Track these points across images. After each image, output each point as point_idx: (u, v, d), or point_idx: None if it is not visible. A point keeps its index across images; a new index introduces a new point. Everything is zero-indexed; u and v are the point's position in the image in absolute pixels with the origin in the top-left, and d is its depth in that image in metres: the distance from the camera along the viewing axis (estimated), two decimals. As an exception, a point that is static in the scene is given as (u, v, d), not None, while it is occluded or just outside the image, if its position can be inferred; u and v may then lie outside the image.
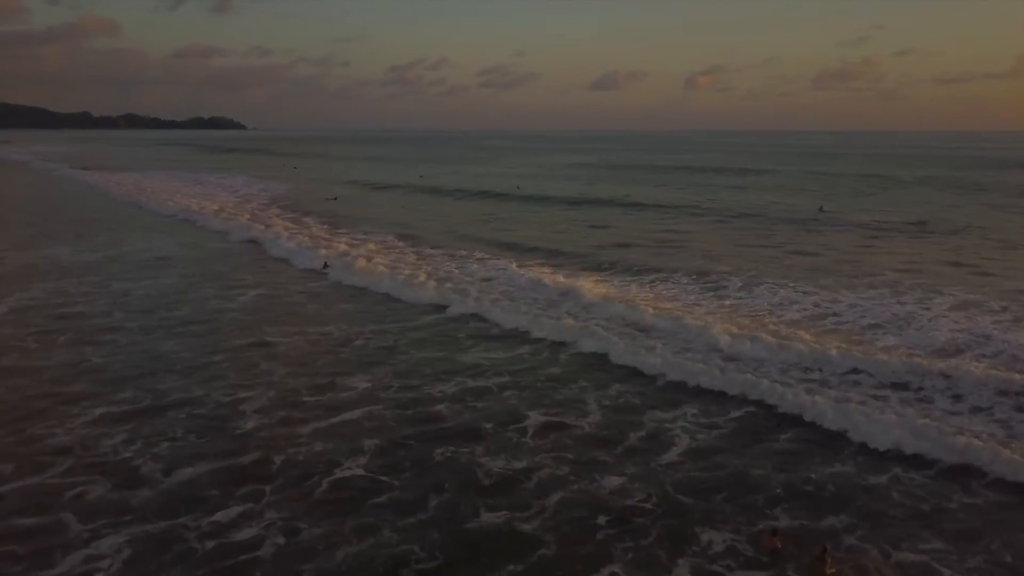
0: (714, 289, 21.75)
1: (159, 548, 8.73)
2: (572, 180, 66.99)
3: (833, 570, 8.49)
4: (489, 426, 12.36)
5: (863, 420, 12.19)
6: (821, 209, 41.64)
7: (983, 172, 75.52)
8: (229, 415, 12.59)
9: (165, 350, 16.35)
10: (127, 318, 19.01)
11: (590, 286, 21.67)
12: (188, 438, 11.62)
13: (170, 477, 10.33)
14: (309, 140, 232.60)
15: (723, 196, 50.94)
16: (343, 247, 29.01)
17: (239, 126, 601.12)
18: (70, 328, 17.90)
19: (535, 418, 12.76)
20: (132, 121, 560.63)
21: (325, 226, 35.63)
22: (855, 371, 14.59)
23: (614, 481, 10.45)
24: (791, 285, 21.84)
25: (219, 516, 9.34)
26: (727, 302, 20.37)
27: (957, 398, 13.37)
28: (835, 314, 18.87)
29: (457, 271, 24.65)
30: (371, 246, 29.51)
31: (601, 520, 9.46)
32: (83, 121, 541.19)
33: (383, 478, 10.51)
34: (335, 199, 49.35)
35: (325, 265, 25.62)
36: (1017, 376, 13.91)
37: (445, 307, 20.21)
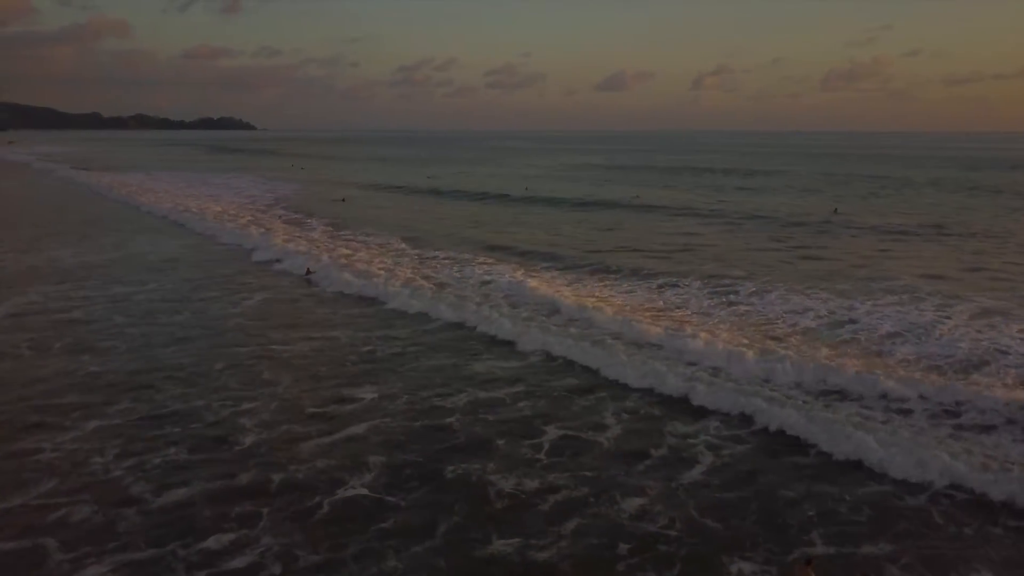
0: (725, 294, 20.91)
1: (147, 578, 8.13)
2: (580, 181, 66.29)
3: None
4: (502, 441, 11.73)
5: (890, 448, 11.13)
6: (836, 211, 40.83)
7: (996, 173, 74.54)
8: (228, 429, 11.98)
9: (165, 357, 15.77)
10: (127, 323, 18.45)
11: (592, 301, 20.26)
12: (183, 454, 11.01)
13: (160, 498, 9.70)
14: (317, 140, 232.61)
15: (733, 198, 50.11)
16: (342, 251, 28.25)
17: (248, 126, 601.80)
18: (68, 334, 17.35)
19: (551, 432, 12.12)
20: (142, 121, 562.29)
21: (328, 228, 34.93)
22: (885, 396, 13.30)
23: (635, 503, 9.79)
24: (805, 291, 21.01)
25: (211, 542, 8.71)
26: (738, 308, 19.52)
27: (982, 415, 12.50)
28: (852, 321, 18.06)
29: (457, 276, 23.88)
30: (371, 250, 28.72)
31: (622, 548, 8.79)
32: (93, 122, 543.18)
33: (389, 498, 9.88)
34: (343, 201, 48.79)
35: (308, 272, 24.57)
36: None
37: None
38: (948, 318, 18.18)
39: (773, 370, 14.41)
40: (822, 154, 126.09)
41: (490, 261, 26.18)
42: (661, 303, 20.25)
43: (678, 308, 19.75)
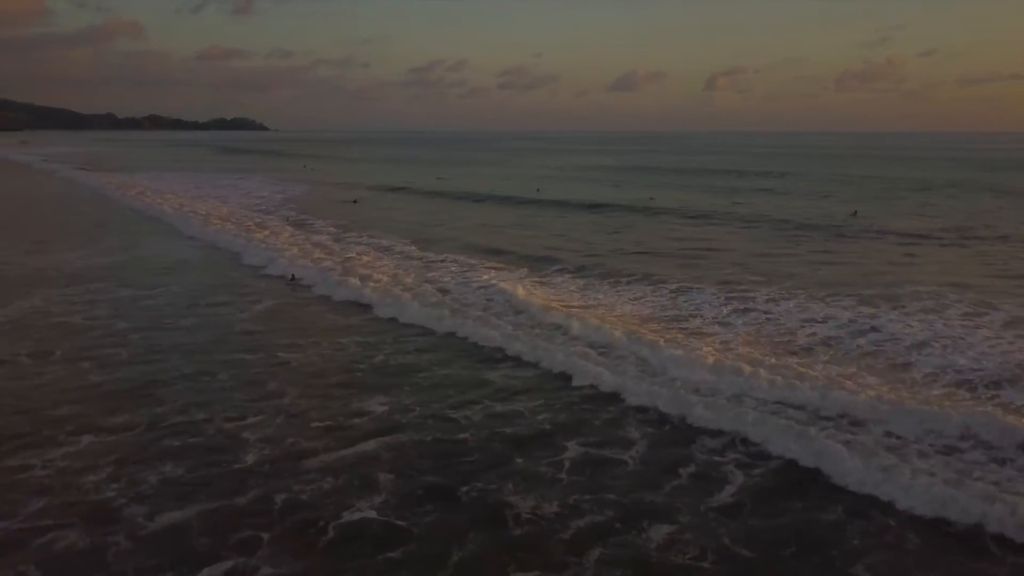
0: (742, 301, 19.93)
1: (137, 613, 7.50)
2: (593, 182, 65.42)
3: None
4: (519, 459, 11.03)
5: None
6: (855, 214, 39.91)
7: (1017, 175, 73.19)
8: (229, 444, 11.35)
9: (168, 366, 15.17)
10: (131, 329, 17.87)
11: (602, 311, 19.13)
12: (180, 473, 10.36)
13: (153, 522, 9.04)
14: (329, 141, 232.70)
15: (748, 200, 49.12)
16: (345, 255, 27.43)
17: (261, 127, 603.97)
18: (69, 340, 16.78)
19: (572, 449, 11.39)
20: (156, 122, 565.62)
21: (335, 230, 34.12)
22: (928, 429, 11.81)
23: (663, 531, 9.07)
24: (825, 298, 20.01)
25: (205, 573, 8.06)
26: (755, 316, 18.55)
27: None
28: (874, 330, 17.03)
29: (462, 283, 22.70)
30: (376, 253, 27.91)
31: (651, 583, 8.10)
32: (108, 122, 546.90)
33: (399, 523, 9.21)
34: (355, 202, 48.30)
35: (292, 278, 23.49)
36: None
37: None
38: (977, 328, 17.18)
39: (797, 395, 13.02)
40: (837, 155, 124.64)
41: (499, 265, 25.35)
42: (675, 311, 19.30)
43: (692, 315, 18.80)
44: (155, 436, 11.63)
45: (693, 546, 8.75)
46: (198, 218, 37.21)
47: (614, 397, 13.56)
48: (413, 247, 29.21)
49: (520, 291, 20.76)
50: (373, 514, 9.42)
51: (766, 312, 18.90)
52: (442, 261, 26.34)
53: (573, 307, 19.58)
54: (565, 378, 14.59)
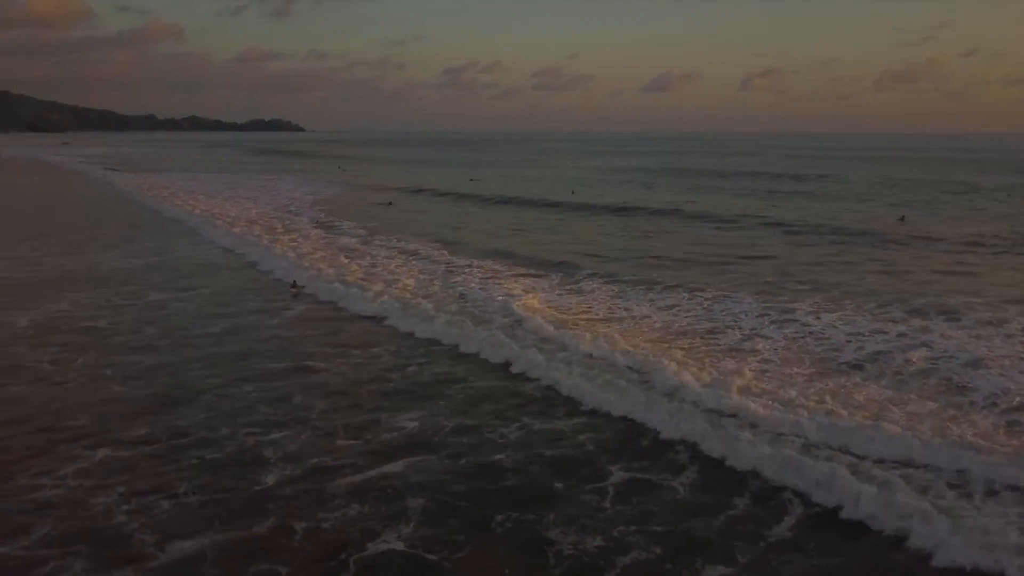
0: (782, 312, 18.65)
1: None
2: (628, 185, 64.11)
3: None
4: (560, 485, 10.21)
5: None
6: (902, 219, 38.41)
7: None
8: (250, 463, 10.69)
9: (192, 375, 14.61)
10: (158, 335, 17.40)
11: (630, 328, 17.55)
12: (196, 495, 9.71)
13: (164, 552, 8.37)
14: (363, 142, 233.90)
15: (788, 203, 47.57)
16: (366, 261, 26.40)
17: (297, 128, 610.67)
18: (93, 346, 16.32)
19: (617, 474, 10.53)
20: (195, 123, 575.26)
21: (362, 233, 33.28)
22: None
23: (719, 572, 8.21)
24: (873, 310, 18.70)
25: (218, 614, 7.40)
26: (797, 329, 17.21)
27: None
28: (926, 346, 15.70)
29: (484, 294, 20.95)
30: (400, 259, 26.85)
31: (709, 635, 7.26)
32: (149, 123, 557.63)
33: (428, 556, 8.46)
34: (389, 204, 47.81)
35: (294, 285, 22.48)
36: None
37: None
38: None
39: (849, 436, 11.27)
40: (879, 157, 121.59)
41: (529, 272, 24.33)
42: (710, 322, 18.05)
43: (729, 327, 17.54)
44: (173, 452, 11.02)
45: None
46: (227, 221, 36.81)
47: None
48: (443, 252, 28.20)
49: (540, 307, 19.41)
50: (400, 546, 8.68)
51: (808, 325, 17.61)
52: (469, 267, 25.31)
53: (603, 320, 18.43)
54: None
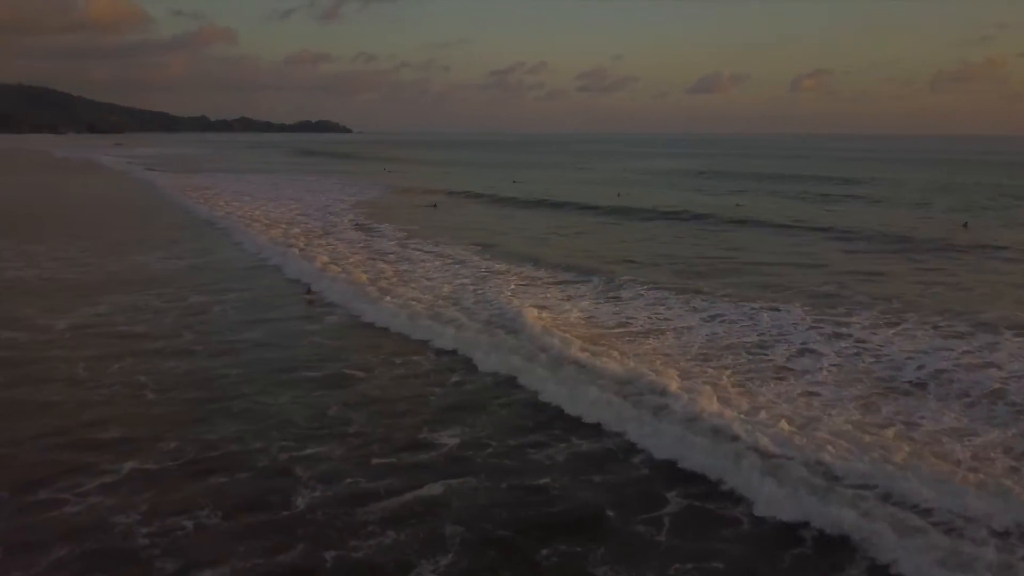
0: (835, 326, 17.34)
1: None
2: (674, 188, 62.41)
3: None
4: (611, 514, 9.44)
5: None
6: (965, 226, 36.64)
7: None
8: (280, 482, 10.13)
9: (228, 383, 14.18)
10: (195, 340, 17.06)
11: (668, 343, 16.26)
12: (221, 517, 9.16)
13: (184, 583, 7.90)
14: (409, 144, 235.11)
15: (841, 208, 45.65)
16: (395, 267, 25.39)
17: (344, 129, 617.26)
18: (129, 351, 16.00)
19: (673, 501, 9.72)
20: (245, 124, 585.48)
21: (400, 236, 32.38)
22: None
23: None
24: (935, 324, 17.35)
25: (237, 658, 6.84)
26: (851, 345, 15.88)
27: None
28: (995, 365, 14.42)
29: (515, 304, 19.46)
30: (434, 264, 25.85)
31: None
32: (201, 124, 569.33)
33: (467, 594, 7.84)
34: (434, 206, 47.43)
35: (309, 291, 21.60)
36: None
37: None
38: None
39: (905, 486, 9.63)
40: (934, 160, 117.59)
41: (569, 279, 23.23)
42: (757, 335, 16.81)
43: (776, 341, 16.30)
44: (202, 468, 10.53)
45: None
46: (267, 223, 36.46)
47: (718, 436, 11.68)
48: (482, 257, 27.12)
49: (579, 318, 18.37)
50: (437, 580, 8.08)
51: (864, 341, 16.29)
52: (506, 272, 24.22)
53: (643, 332, 17.22)
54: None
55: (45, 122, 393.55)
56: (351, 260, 26.43)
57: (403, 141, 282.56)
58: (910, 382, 13.74)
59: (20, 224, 37.66)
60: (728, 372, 14.32)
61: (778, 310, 18.99)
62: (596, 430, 12.13)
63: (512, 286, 22.05)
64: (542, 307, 19.34)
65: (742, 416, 11.91)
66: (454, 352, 16.30)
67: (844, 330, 17.10)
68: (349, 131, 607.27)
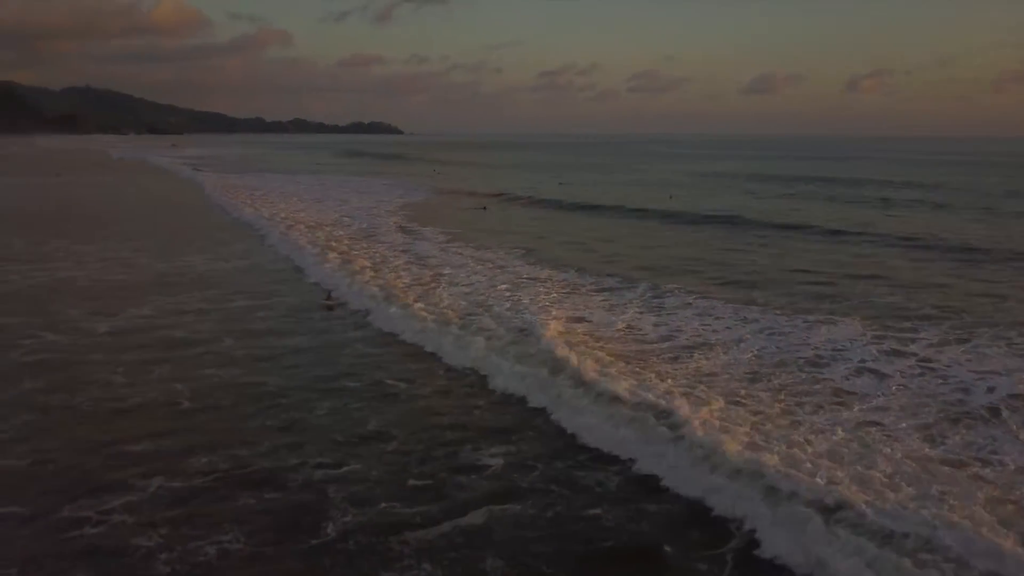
0: (899, 342, 15.98)
1: None
2: (727, 191, 60.20)
3: None
4: (669, 549, 8.69)
5: None
6: None
7: None
8: (312, 504, 9.58)
9: (265, 392, 13.74)
10: (235, 345, 16.75)
11: (714, 360, 14.99)
12: (245, 543, 8.61)
13: (201, 619, 7.42)
14: (460, 145, 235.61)
15: (904, 214, 43.19)
16: (434, 272, 24.41)
17: (396, 131, 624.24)
18: (169, 357, 15.70)
19: (740, 537, 8.85)
20: (299, 126, 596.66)
21: (441, 239, 31.51)
22: None
23: None
24: (1012, 341, 15.98)
25: None
26: (916, 364, 14.59)
27: None
28: None
29: (552, 318, 18.06)
30: (471, 269, 24.88)
31: None
32: (256, 126, 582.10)
33: (508, 641, 7.19)
34: (484, 209, 46.95)
35: (328, 298, 20.84)
36: None
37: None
38: None
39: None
40: (1000, 163, 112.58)
41: (613, 285, 22.19)
42: (811, 351, 15.56)
43: (832, 359, 15.01)
44: (231, 486, 10.03)
45: None
46: (311, 225, 36.18)
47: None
48: (524, 263, 26.07)
49: (620, 331, 17.27)
50: (476, 623, 7.45)
51: (929, 360, 14.96)
52: (548, 280, 23.11)
53: (688, 347, 16.03)
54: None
55: (109, 123, 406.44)
56: (391, 264, 25.81)
57: (453, 142, 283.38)
58: (982, 407, 12.52)
59: (74, 224, 38.21)
60: (779, 394, 13.11)
61: (835, 323, 17.75)
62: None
63: (553, 294, 21.06)
64: (580, 319, 18.32)
65: (791, 454, 10.44)
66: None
67: (907, 347, 15.81)
68: (401, 132, 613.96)
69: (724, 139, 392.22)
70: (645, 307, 19.75)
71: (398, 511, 9.56)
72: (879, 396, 13.07)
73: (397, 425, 12.35)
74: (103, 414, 12.62)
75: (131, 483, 10.05)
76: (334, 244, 30.21)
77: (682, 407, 12.05)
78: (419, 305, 19.64)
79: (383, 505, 9.70)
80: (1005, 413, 12.21)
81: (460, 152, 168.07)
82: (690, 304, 20.01)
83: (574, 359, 14.59)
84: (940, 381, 13.84)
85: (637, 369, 14.43)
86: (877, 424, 11.77)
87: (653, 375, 14.01)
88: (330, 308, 20.34)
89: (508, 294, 21.18)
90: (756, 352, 15.68)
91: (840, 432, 11.37)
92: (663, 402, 12.40)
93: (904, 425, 11.75)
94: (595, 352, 15.44)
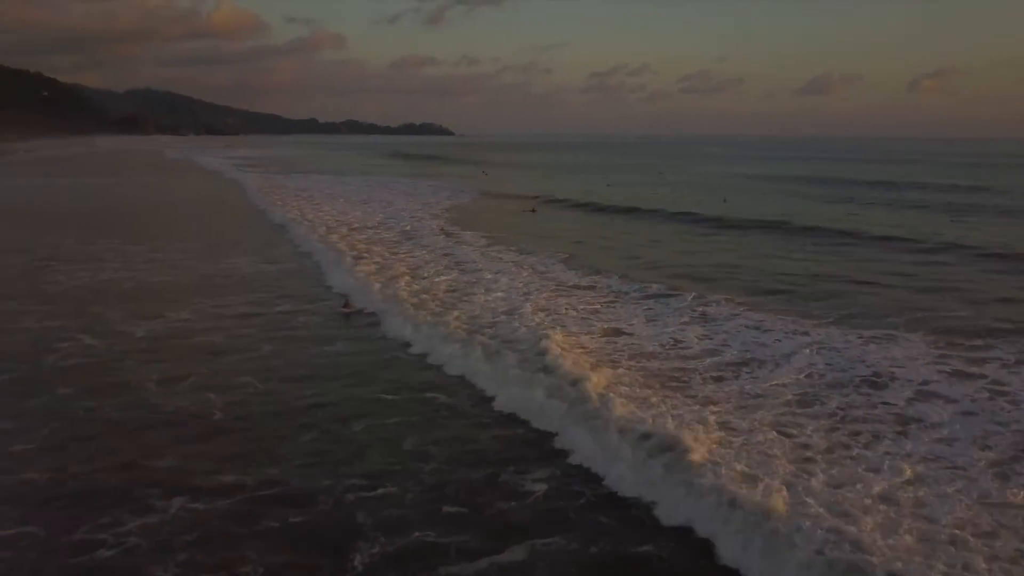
0: (963, 362, 14.73)
1: None
2: (783, 195, 57.75)
3: None
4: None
5: None
6: None
7: None
8: (339, 532, 8.95)
9: (300, 405, 13.19)
10: (274, 353, 16.28)
11: (765, 380, 13.88)
12: (264, 574, 8.25)
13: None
14: (510, 146, 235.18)
15: (974, 221, 40.63)
16: (468, 279, 23.32)
17: (447, 132, 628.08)
18: (204, 364, 15.32)
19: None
20: (352, 127, 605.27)
21: (484, 243, 30.57)
22: None
23: None
24: None
25: None
26: (980, 385, 13.37)
27: None
28: None
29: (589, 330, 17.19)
30: (513, 275, 23.75)
31: None
32: (310, 127, 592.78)
33: None
34: (533, 211, 46.25)
35: (346, 304, 20.07)
36: None
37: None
38: None
39: None
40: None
41: (658, 293, 21.15)
42: (866, 368, 14.35)
43: (890, 378, 13.78)
44: (255, 509, 9.47)
45: None
46: (352, 228, 35.79)
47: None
48: (567, 269, 25.01)
49: (660, 345, 16.09)
50: None
51: (1000, 383, 13.61)
52: (592, 288, 22.11)
53: (733, 363, 14.96)
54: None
55: (168, 124, 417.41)
56: (428, 270, 24.95)
57: (503, 143, 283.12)
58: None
59: (123, 223, 38.70)
60: (831, 421, 11.86)
61: (895, 340, 16.44)
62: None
63: (595, 304, 19.98)
64: (621, 332, 17.29)
65: (839, 504, 9.08)
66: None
67: (976, 368, 14.47)
68: (451, 133, 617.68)
69: (779, 140, 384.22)
70: (690, 318, 18.59)
71: (431, 541, 8.89)
72: (944, 425, 11.76)
73: (436, 444, 11.67)
74: (132, 424, 12.24)
75: (151, 503, 9.57)
76: (373, 248, 29.65)
77: (726, 476, 9.76)
78: (456, 314, 18.75)
79: (416, 534, 9.03)
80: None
81: (509, 153, 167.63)
82: (738, 315, 18.82)
83: (605, 402, 12.44)
84: (1012, 407, 12.55)
85: (677, 393, 13.17)
86: (939, 459, 10.48)
87: (693, 402, 12.74)
88: (348, 315, 19.75)
89: (547, 303, 20.06)
90: (807, 370, 14.47)
91: (900, 469, 10.08)
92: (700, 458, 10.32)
93: (971, 458, 10.53)
94: (633, 373, 14.31)
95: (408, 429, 12.27)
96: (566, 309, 19.37)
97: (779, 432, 11.42)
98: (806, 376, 14.19)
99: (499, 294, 21.23)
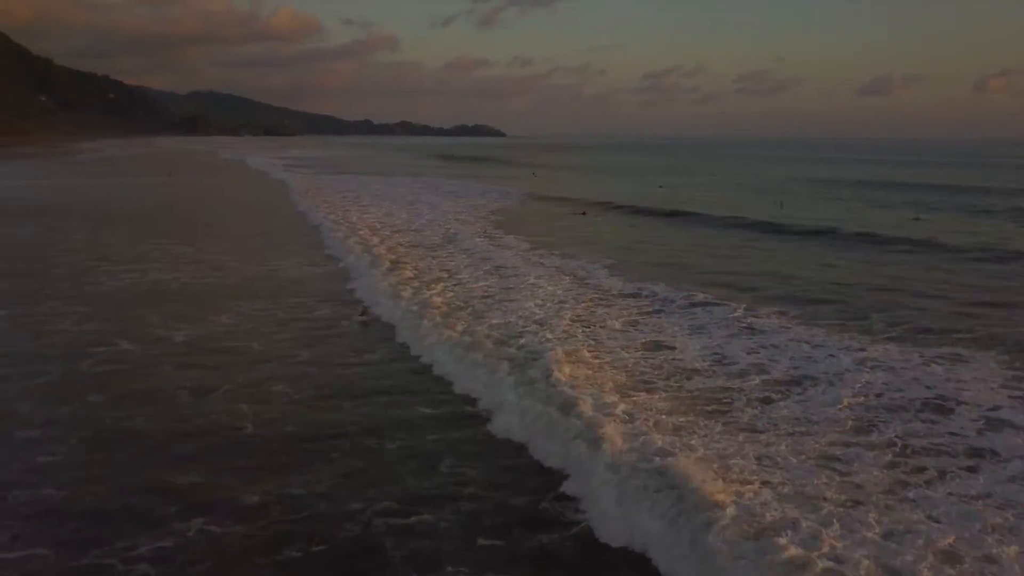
0: None
1: None
2: (842, 200, 54.84)
3: None
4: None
5: None
6: None
7: None
8: (364, 565, 8.37)
9: (336, 420, 12.65)
10: (311, 361, 15.88)
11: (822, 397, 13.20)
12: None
13: None
14: (562, 148, 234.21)
15: None
16: (505, 284, 22.28)
17: (499, 133, 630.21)
18: (240, 373, 14.92)
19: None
20: (406, 128, 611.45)
21: (526, 248, 29.47)
22: None
23: None
24: None
25: None
26: None
27: None
28: None
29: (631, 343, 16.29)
30: (553, 282, 22.62)
31: None
32: (365, 128, 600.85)
33: None
34: (583, 214, 45.31)
35: (363, 312, 19.53)
36: None
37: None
38: None
39: None
40: None
41: (704, 302, 19.95)
42: (928, 390, 13.11)
43: (956, 402, 12.51)
44: (277, 536, 8.91)
45: None
46: (394, 230, 35.21)
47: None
48: (610, 276, 23.78)
49: (705, 362, 14.97)
50: None
51: None
52: (636, 295, 21.01)
53: (780, 382, 13.80)
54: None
55: (228, 125, 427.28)
56: (465, 275, 24.04)
57: (555, 145, 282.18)
58: None
59: (172, 223, 39.11)
60: (886, 453, 10.60)
61: (961, 360, 15.02)
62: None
63: (637, 316, 18.73)
64: (663, 346, 16.12)
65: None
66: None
67: None
68: (503, 135, 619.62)
69: (839, 142, 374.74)
70: (737, 330, 17.33)
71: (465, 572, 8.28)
72: (1016, 459, 10.51)
73: (474, 466, 11.01)
74: (159, 436, 11.85)
75: (169, 524, 9.09)
76: (414, 251, 28.79)
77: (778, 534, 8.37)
78: (495, 322, 17.79)
79: (448, 569, 8.38)
80: None
81: (560, 155, 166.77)
82: (787, 329, 17.52)
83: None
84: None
85: (717, 422, 11.91)
86: (1008, 505, 9.15)
87: (736, 431, 11.51)
88: (364, 323, 19.19)
89: (586, 314, 18.84)
90: (863, 393, 13.19)
91: (968, 515, 8.90)
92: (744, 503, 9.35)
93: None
94: (670, 397, 13.09)
95: (446, 449, 11.62)
96: (609, 321, 18.19)
97: (825, 466, 10.18)
98: (861, 399, 12.88)
99: (533, 302, 19.95)
